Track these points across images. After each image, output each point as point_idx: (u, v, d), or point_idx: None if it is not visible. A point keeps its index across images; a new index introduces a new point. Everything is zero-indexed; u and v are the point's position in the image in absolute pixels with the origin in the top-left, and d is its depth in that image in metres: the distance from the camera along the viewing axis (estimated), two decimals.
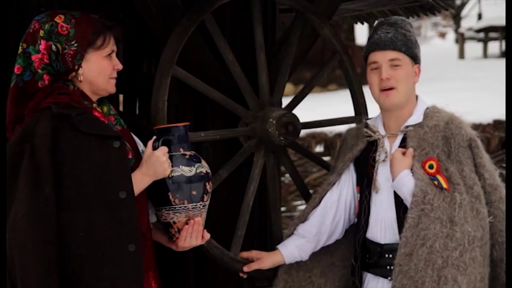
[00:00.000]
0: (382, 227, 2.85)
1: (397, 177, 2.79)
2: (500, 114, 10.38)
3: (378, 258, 2.85)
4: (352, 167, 3.01)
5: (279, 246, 3.07)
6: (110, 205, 2.41)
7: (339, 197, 3.01)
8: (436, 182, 2.74)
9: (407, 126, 2.87)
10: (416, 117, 2.88)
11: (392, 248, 2.80)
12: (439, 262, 2.65)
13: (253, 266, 3.08)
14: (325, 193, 3.03)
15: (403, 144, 2.86)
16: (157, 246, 2.74)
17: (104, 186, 2.42)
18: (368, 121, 3.04)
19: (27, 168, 2.37)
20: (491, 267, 2.80)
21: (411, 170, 2.79)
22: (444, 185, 2.73)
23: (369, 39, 2.93)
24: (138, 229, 2.46)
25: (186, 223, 2.62)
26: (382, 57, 2.84)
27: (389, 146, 2.90)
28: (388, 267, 2.81)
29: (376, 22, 3.00)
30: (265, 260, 3.07)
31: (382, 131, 2.93)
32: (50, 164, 2.37)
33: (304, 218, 3.05)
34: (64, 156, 2.40)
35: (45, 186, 2.36)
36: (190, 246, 2.68)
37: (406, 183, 2.77)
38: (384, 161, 2.88)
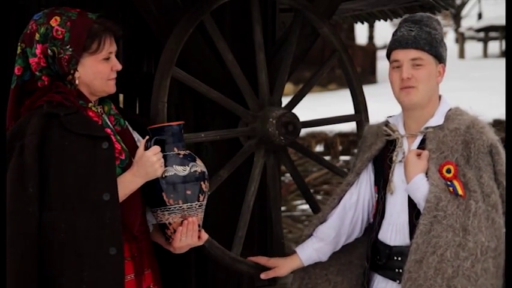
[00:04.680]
0: (394, 229, 2.78)
1: (411, 181, 2.71)
2: (500, 114, 10.38)
3: (387, 260, 2.78)
4: (370, 167, 2.93)
5: (298, 250, 3.00)
6: (92, 206, 2.39)
7: (358, 197, 2.93)
8: (451, 188, 2.65)
9: (427, 128, 2.77)
10: (437, 119, 2.78)
11: (401, 251, 2.74)
12: (449, 271, 2.58)
13: (271, 274, 3.04)
14: (344, 194, 2.96)
15: (422, 145, 2.77)
16: (159, 248, 2.73)
17: (88, 187, 2.40)
18: (389, 119, 2.94)
19: (14, 166, 2.37)
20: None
21: (426, 173, 2.70)
22: (460, 192, 2.64)
23: (392, 36, 2.83)
24: (120, 232, 2.43)
25: (181, 223, 2.59)
26: (403, 56, 2.74)
27: (408, 146, 2.81)
28: (397, 270, 2.74)
29: (402, 18, 2.89)
30: (283, 267, 3.02)
31: (401, 131, 2.84)
32: (36, 163, 2.36)
33: (323, 218, 2.98)
34: (51, 156, 2.39)
35: (28, 185, 2.35)
36: (187, 246, 2.65)
37: (420, 188, 2.69)
38: (401, 161, 2.79)
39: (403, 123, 2.86)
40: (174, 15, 3.18)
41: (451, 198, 2.65)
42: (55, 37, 2.49)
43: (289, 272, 3.05)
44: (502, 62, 17.41)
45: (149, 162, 2.49)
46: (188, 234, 2.60)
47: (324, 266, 3.04)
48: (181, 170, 2.55)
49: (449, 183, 2.67)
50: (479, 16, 30.66)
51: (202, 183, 2.59)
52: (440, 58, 2.80)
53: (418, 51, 2.74)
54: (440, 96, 2.85)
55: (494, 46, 26.92)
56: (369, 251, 2.88)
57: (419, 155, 2.74)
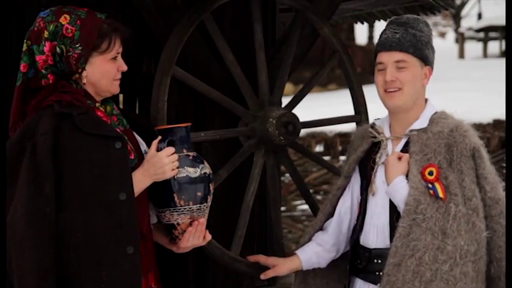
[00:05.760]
0: (375, 232, 2.78)
1: (391, 183, 2.72)
2: (500, 114, 10.36)
3: (367, 263, 2.78)
4: (357, 169, 2.92)
5: (298, 252, 2.99)
6: (109, 206, 2.40)
7: (351, 202, 2.93)
8: (431, 191, 2.65)
9: (411, 130, 2.78)
10: (421, 122, 2.79)
11: (380, 253, 2.74)
12: (428, 275, 2.58)
13: (270, 274, 3.03)
14: (337, 199, 2.95)
15: (405, 148, 2.78)
16: (157, 247, 2.73)
17: (104, 187, 2.40)
18: (375, 121, 2.94)
19: (28, 167, 2.36)
20: (487, 283, 2.70)
21: (407, 176, 2.71)
22: (440, 194, 2.64)
23: (378, 38, 2.84)
24: (137, 231, 2.45)
25: (190, 224, 2.60)
26: (388, 58, 2.75)
27: (392, 148, 2.82)
28: (377, 273, 2.73)
29: (387, 20, 2.89)
30: (281, 267, 3.01)
31: (387, 133, 2.85)
32: (51, 164, 2.37)
33: (317, 226, 2.98)
34: (65, 156, 2.39)
35: (45, 186, 2.35)
36: (192, 247, 2.67)
37: (400, 190, 2.70)
38: (383, 163, 2.79)
39: (389, 126, 2.87)
40: (174, 15, 3.19)
41: (430, 201, 2.65)
42: (65, 35, 2.49)
43: (288, 272, 3.03)
44: (502, 62, 17.42)
45: (159, 164, 2.50)
46: (196, 235, 2.62)
47: (323, 274, 3.03)
48: (192, 172, 2.57)
49: (430, 185, 2.67)
50: (479, 16, 30.67)
51: (210, 184, 2.63)
52: (425, 60, 2.79)
53: (402, 53, 2.75)
54: (426, 100, 2.85)
55: (494, 46, 26.91)
56: (349, 254, 2.87)
57: (400, 158, 2.75)
